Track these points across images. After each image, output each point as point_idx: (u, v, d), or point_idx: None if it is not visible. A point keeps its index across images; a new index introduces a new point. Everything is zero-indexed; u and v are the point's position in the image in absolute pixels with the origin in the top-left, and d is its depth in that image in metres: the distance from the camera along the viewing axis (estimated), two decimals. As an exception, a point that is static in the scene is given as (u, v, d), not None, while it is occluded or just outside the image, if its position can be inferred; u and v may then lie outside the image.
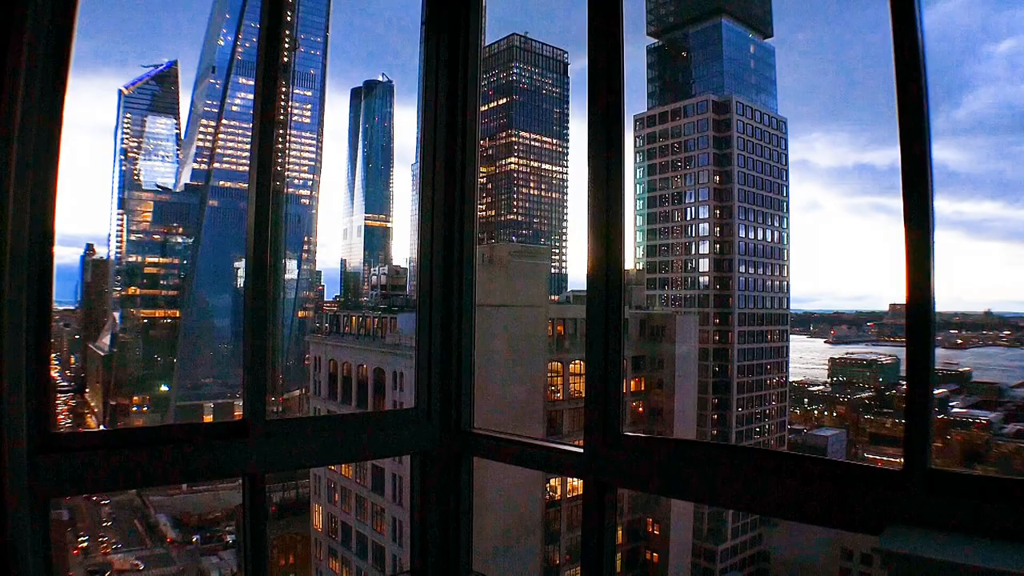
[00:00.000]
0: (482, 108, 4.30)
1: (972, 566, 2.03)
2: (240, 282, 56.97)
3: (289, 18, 62.62)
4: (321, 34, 69.27)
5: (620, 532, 31.51)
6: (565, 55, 73.64)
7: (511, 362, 28.60)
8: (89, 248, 64.35)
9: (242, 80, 63.92)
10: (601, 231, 3.29)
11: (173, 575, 42.51)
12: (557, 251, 74.55)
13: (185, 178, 64.50)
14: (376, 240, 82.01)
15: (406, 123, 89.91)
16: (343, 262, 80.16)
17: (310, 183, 68.33)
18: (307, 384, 41.74)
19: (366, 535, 31.79)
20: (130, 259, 60.84)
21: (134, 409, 56.72)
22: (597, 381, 3.28)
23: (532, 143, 73.89)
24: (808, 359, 50.60)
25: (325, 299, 68.41)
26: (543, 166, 74.86)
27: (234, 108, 64.47)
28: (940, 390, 40.01)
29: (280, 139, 63.80)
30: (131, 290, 59.99)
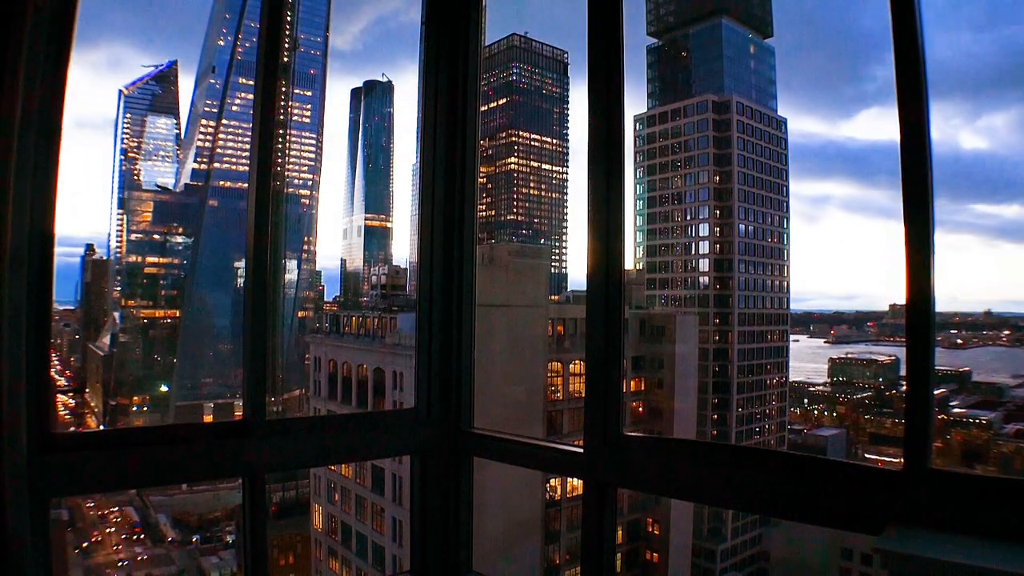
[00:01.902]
0: (482, 108, 4.29)
1: (972, 566, 2.03)
2: (240, 282, 57.01)
3: (289, 18, 62.64)
4: (321, 34, 69.30)
5: (620, 532, 31.51)
6: (565, 55, 73.58)
7: (511, 362, 28.62)
8: (89, 248, 64.39)
9: (242, 80, 63.90)
10: (601, 231, 3.28)
11: (173, 575, 42.51)
12: (557, 251, 74.57)
13: (185, 178, 64.52)
14: (376, 240, 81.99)
15: (406, 123, 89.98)
16: (343, 262, 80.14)
17: (310, 183, 68.35)
18: (307, 384, 41.76)
19: (366, 535, 31.79)
20: (130, 259, 60.87)
21: (134, 409, 56.72)
22: (597, 381, 3.27)
23: (532, 143, 73.87)
24: (803, 358, 50.61)
25: (325, 299, 68.44)
26: (543, 166, 74.83)
27: (234, 108, 64.48)
28: (940, 390, 39.98)
29: (280, 139, 63.83)
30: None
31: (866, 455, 41.33)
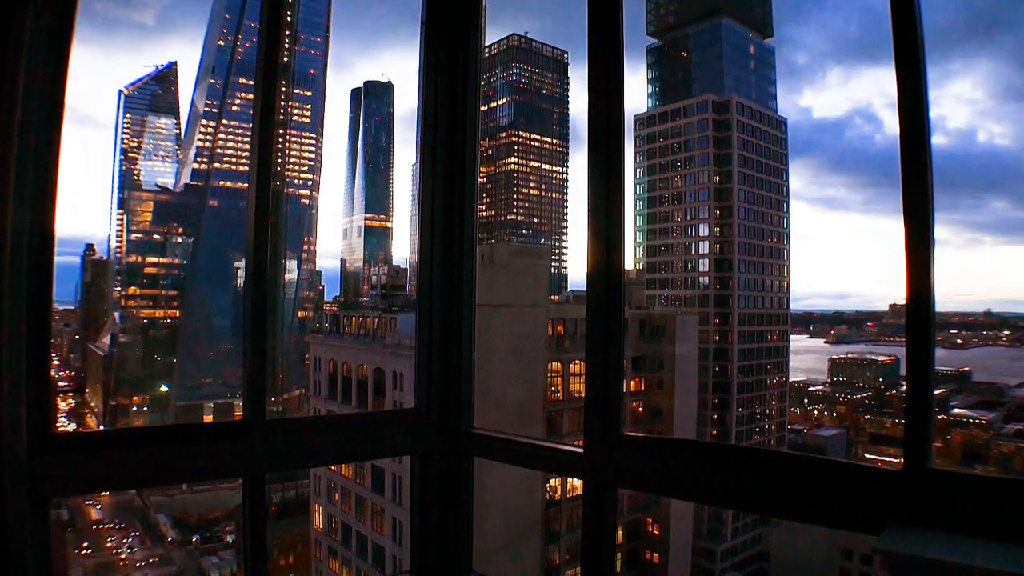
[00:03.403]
0: (482, 108, 4.29)
1: (972, 566, 2.03)
2: (240, 282, 57.04)
3: (289, 18, 62.71)
4: (321, 34, 69.36)
5: (620, 532, 31.50)
6: (565, 55, 73.74)
7: (511, 362, 28.60)
8: (89, 248, 64.42)
9: (242, 80, 63.92)
10: (601, 231, 3.28)
11: (173, 575, 42.52)
12: (557, 251, 74.63)
13: (185, 178, 64.54)
14: (376, 240, 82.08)
15: (406, 123, 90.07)
16: (343, 262, 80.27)
17: (310, 183, 68.40)
18: (307, 384, 41.78)
19: (366, 535, 31.79)
20: (130, 259, 60.88)
21: (134, 409, 56.73)
22: (597, 381, 3.27)
23: (532, 143, 73.93)
24: (804, 359, 50.53)
25: (325, 299, 68.53)
26: (543, 166, 74.89)
27: (234, 108, 64.50)
28: (940, 390, 40.02)
29: (280, 139, 63.84)
30: (131, 290, 60.02)
31: (866, 455, 41.37)
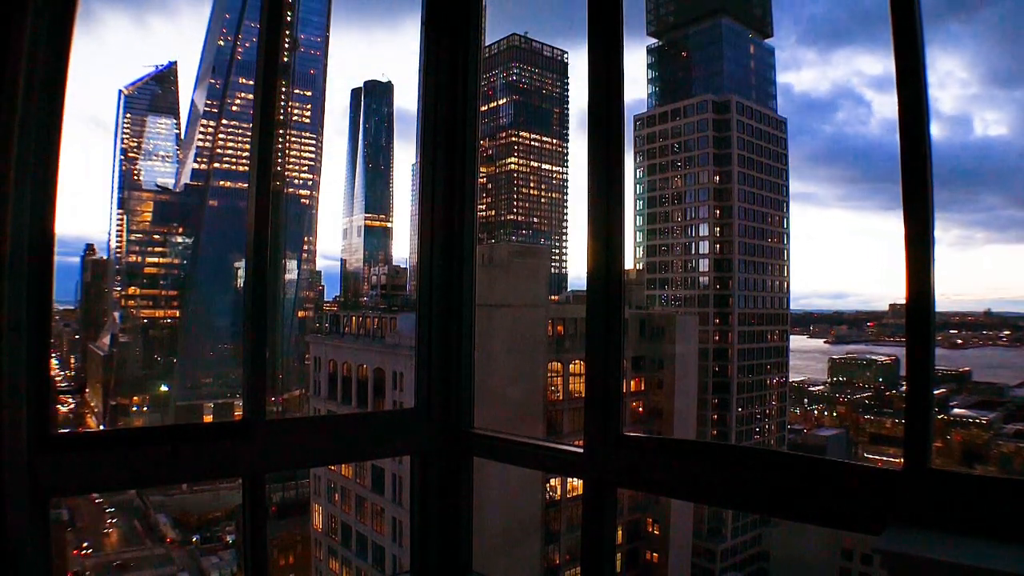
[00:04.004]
0: (482, 108, 4.29)
1: (972, 566, 2.03)
2: (240, 282, 57.06)
3: (289, 18, 62.73)
4: (321, 34, 69.37)
5: (620, 532, 31.49)
6: (565, 55, 73.78)
7: (511, 362, 28.60)
8: (89, 248, 64.47)
9: (242, 80, 63.92)
10: (601, 231, 3.28)
11: (173, 575, 42.51)
12: (557, 251, 74.64)
13: (185, 178, 64.55)
14: (376, 240, 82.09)
15: (407, 123, 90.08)
16: (343, 262, 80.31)
17: (310, 183, 68.40)
18: (307, 384, 41.79)
19: (366, 535, 31.79)
20: (130, 259, 60.89)
21: (134, 409, 56.73)
22: (597, 381, 3.27)
23: (532, 143, 73.93)
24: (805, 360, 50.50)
25: (325, 299, 68.54)
26: (543, 166, 74.90)
27: (234, 108, 64.51)
28: (940, 390, 40.02)
29: (280, 139, 63.84)
30: (131, 290, 60.03)
31: (866, 455, 41.39)
